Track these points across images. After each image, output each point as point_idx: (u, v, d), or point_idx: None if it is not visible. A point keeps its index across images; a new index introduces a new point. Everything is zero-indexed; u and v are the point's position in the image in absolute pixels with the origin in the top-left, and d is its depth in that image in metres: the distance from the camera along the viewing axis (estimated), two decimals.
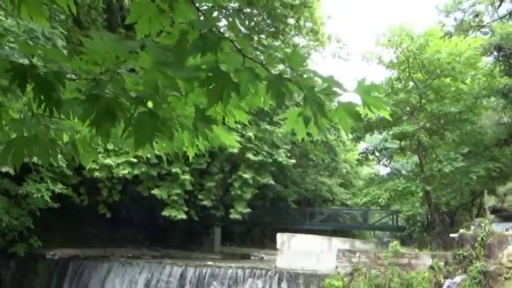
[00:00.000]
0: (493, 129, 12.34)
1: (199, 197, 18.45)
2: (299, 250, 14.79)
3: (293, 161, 19.34)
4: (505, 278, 10.03)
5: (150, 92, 2.30)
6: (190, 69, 2.10)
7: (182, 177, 17.36)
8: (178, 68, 2.06)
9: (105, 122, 2.33)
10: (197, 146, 2.99)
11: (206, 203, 18.31)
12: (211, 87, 2.06)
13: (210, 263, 15.79)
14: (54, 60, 2.12)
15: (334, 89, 2.00)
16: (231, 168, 19.65)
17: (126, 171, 16.06)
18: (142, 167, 16.71)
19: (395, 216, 21.66)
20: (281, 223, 20.68)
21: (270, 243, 18.83)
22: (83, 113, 2.20)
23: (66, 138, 2.77)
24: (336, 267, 13.01)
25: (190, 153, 2.97)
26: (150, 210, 18.51)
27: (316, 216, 21.89)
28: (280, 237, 15.30)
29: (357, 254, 13.10)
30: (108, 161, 15.90)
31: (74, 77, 2.24)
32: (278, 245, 15.24)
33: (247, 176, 18.20)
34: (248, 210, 18.41)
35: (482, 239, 11.10)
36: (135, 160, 16.16)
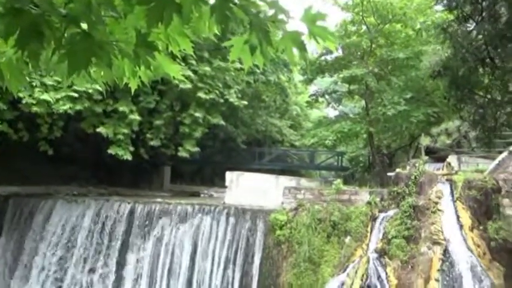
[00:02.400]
0: (430, 62, 12.88)
1: (148, 136, 18.07)
2: (247, 187, 15.28)
3: (245, 102, 19.29)
4: (432, 212, 11.11)
5: (83, 10, 2.09)
6: None
7: (130, 116, 16.78)
8: None
9: (32, 42, 2.12)
10: (140, 77, 2.84)
11: (155, 142, 18.02)
12: (151, 5, 1.90)
13: (159, 200, 15.92)
14: None
15: (281, 16, 1.94)
16: (181, 107, 19.26)
17: (66, 107, 15.19)
18: (85, 102, 15.88)
19: (340, 157, 22.78)
20: (231, 162, 21.05)
21: (220, 182, 19.22)
22: (5, 29, 1.97)
23: None
24: (282, 203, 13.68)
25: (133, 85, 2.82)
26: (96, 148, 17.95)
27: (265, 156, 22.47)
28: (229, 175, 15.66)
29: (302, 191, 13.80)
30: (45, 96, 14.90)
31: None
32: (227, 183, 15.62)
33: (198, 114, 17.97)
34: (197, 149, 18.42)
35: (415, 177, 12.04)
36: (75, 95, 15.27)
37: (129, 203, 15.02)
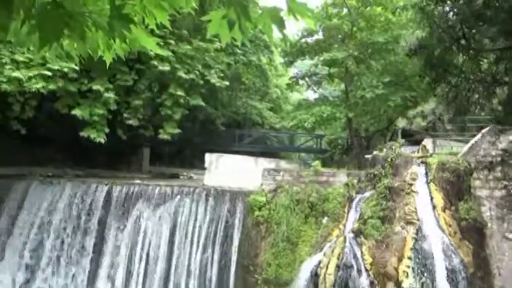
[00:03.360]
0: (407, 41, 12.99)
1: (126, 115, 17.71)
2: (226, 169, 15.30)
3: (226, 82, 19.10)
4: (406, 193, 11.42)
5: None
6: None
7: (106, 95, 16.36)
8: None
9: (0, 11, 2.03)
10: (115, 50, 2.76)
11: (133, 122, 17.68)
12: None
13: (137, 181, 15.77)
14: None
15: None
16: (160, 87, 18.93)
17: (39, 86, 14.66)
18: (59, 81, 15.37)
19: (319, 139, 23.01)
20: (211, 144, 20.96)
21: (200, 164, 19.13)
22: None
23: None
24: (261, 185, 13.78)
25: (107, 58, 2.74)
26: (72, 129, 17.50)
27: (245, 139, 22.47)
28: (209, 157, 15.62)
29: (281, 173, 13.92)
30: (17, 73, 14.33)
31: None
32: (206, 164, 15.59)
33: (179, 93, 17.66)
34: (178, 130, 18.23)
35: (391, 159, 12.30)
36: (49, 73, 14.74)
37: (106, 184, 14.82)
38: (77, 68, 14.61)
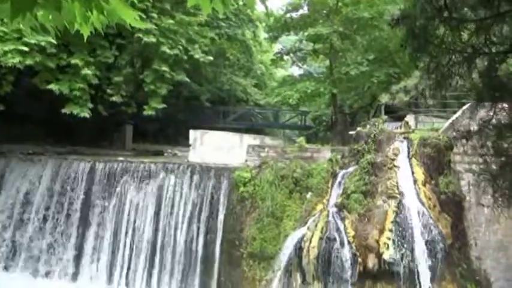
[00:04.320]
0: (391, 12, 12.98)
1: (108, 91, 17.33)
2: (211, 146, 15.27)
3: (210, 58, 18.78)
4: (388, 168, 11.64)
5: None
6: None
7: (85, 70, 15.91)
8: None
9: None
10: (92, 23, 2.66)
11: (116, 98, 17.34)
12: None
13: (121, 158, 15.62)
14: None
15: None
16: (142, 63, 18.53)
17: (16, 60, 14.14)
18: (37, 56, 14.86)
19: (303, 116, 23.10)
20: (195, 121, 20.80)
21: (184, 141, 18.98)
22: None
23: None
24: (246, 161, 13.84)
25: (85, 31, 2.64)
26: (52, 105, 17.07)
27: (229, 115, 22.38)
28: (193, 134, 15.53)
29: (266, 149, 13.98)
30: None
31: None
32: (191, 141, 15.52)
33: (164, 68, 17.30)
34: (163, 105, 17.97)
35: (374, 135, 12.45)
36: (26, 48, 14.22)
37: (89, 161, 14.64)
38: (54, 42, 14.12)
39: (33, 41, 14.14)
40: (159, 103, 17.86)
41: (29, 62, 14.61)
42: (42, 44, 14.48)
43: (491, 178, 4.24)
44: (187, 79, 18.86)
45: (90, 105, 16.51)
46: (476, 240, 11.44)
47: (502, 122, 4.07)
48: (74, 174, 14.40)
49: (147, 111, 17.82)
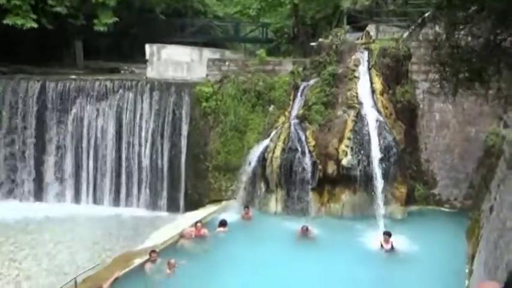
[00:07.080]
0: None
1: (49, 2, 15.62)
2: (170, 60, 14.64)
3: None
4: (349, 79, 11.77)
5: None
6: None
7: None
8: None
9: None
10: None
11: (60, 9, 15.73)
12: None
13: (73, 76, 14.73)
14: None
15: None
16: None
17: None
18: None
19: (264, 29, 22.22)
20: (150, 36, 19.47)
21: (141, 58, 17.90)
22: None
23: None
24: (207, 75, 13.49)
25: None
26: None
27: (187, 29, 21.15)
28: (150, 48, 14.73)
29: (227, 63, 13.61)
30: None
31: None
32: (147, 56, 14.78)
33: None
34: (115, 19, 16.59)
35: (336, 46, 12.34)
36: None
37: (38, 81, 13.71)
38: None
39: None
40: (110, 17, 16.46)
41: None
42: None
43: (440, 67, 4.39)
44: None
45: (34, 16, 14.94)
46: (426, 144, 12.25)
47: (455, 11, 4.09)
48: (23, 95, 13.53)
49: (98, 27, 16.44)
